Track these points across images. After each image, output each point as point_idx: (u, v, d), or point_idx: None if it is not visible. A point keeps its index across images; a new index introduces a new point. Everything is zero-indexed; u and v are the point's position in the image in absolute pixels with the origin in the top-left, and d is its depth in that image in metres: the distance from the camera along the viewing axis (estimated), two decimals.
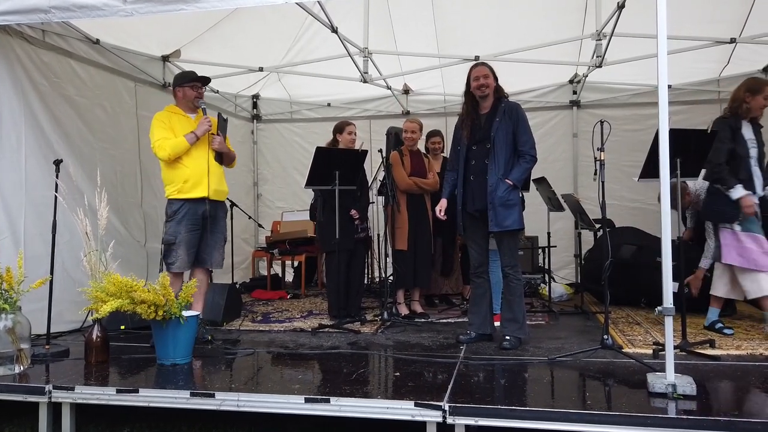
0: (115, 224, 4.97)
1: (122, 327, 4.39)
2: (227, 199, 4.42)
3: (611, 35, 5.06)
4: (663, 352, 2.77)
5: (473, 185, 3.92)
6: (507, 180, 3.81)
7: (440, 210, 4.03)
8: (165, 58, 5.97)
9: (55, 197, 3.79)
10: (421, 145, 5.41)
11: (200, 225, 4.07)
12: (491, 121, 3.88)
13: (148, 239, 5.41)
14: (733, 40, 5.49)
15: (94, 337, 3.52)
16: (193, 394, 2.86)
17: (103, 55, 5.25)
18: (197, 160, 4.04)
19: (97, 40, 5.14)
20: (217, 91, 6.99)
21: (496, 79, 3.93)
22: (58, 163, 3.93)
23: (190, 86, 4.17)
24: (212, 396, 2.82)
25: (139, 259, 5.20)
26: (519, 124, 3.87)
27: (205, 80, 4.28)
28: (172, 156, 3.97)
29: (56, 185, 3.79)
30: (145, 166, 5.48)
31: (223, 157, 4.24)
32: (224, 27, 5.77)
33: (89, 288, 3.41)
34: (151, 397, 2.91)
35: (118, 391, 2.93)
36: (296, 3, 4.25)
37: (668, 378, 2.67)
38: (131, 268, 4.23)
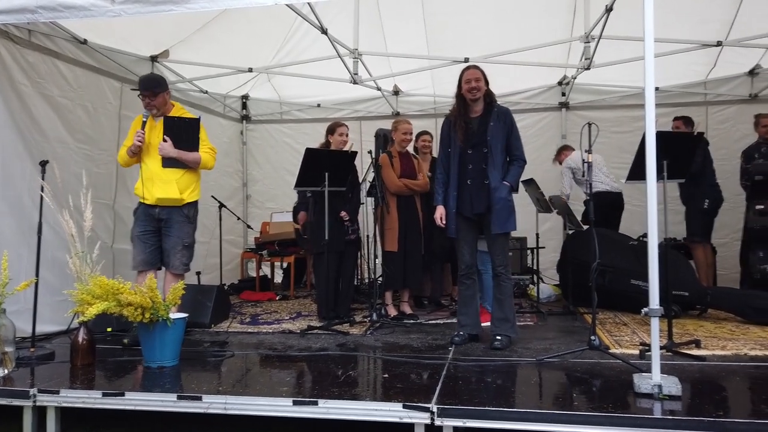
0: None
1: (109, 329, 4.36)
2: (215, 199, 4.38)
3: (599, 38, 5.10)
4: (649, 353, 2.79)
5: (471, 189, 3.92)
6: (505, 182, 3.86)
7: (441, 217, 4.01)
8: (154, 59, 5.94)
9: (41, 198, 3.77)
10: (409, 146, 5.41)
11: (154, 228, 4.10)
12: (486, 125, 3.90)
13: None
14: (719, 43, 5.55)
15: (80, 339, 3.49)
16: (180, 397, 2.84)
17: (90, 56, 5.21)
18: (144, 167, 4.08)
19: (85, 40, 5.10)
20: (206, 92, 6.96)
21: (487, 82, 3.96)
22: (44, 164, 3.90)
23: (141, 97, 4.11)
24: (199, 399, 2.81)
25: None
26: (512, 130, 3.94)
27: (141, 87, 4.11)
28: (123, 164, 4.23)
29: (42, 186, 3.76)
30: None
31: (183, 162, 4.07)
32: (213, 27, 5.74)
33: (75, 290, 3.38)
34: (137, 400, 2.88)
35: (104, 395, 2.90)
36: (286, 4, 4.25)
37: (654, 378, 2.69)
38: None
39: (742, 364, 3.37)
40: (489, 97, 3.97)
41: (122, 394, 2.89)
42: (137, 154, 4.07)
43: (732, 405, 2.76)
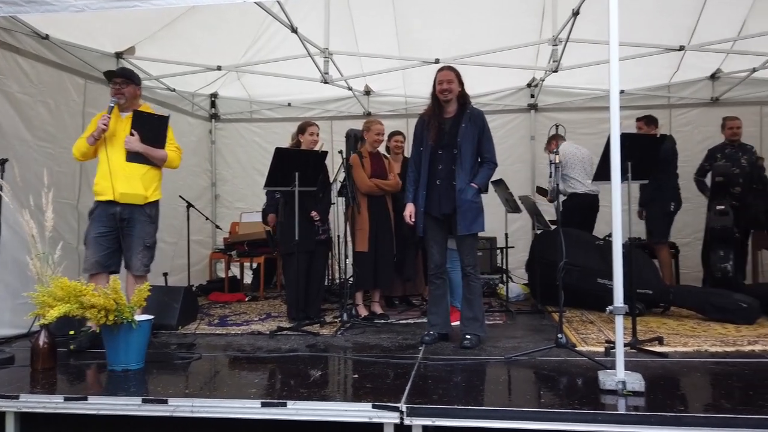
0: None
1: (71, 332, 4.24)
2: (183, 199, 4.30)
3: (566, 41, 5.18)
4: (614, 350, 2.85)
5: (440, 189, 3.94)
6: (473, 184, 3.87)
7: (410, 215, 4.04)
8: (119, 55, 5.80)
9: (0, 197, 3.65)
10: (380, 146, 5.41)
11: (114, 227, 3.95)
12: (457, 127, 3.92)
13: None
14: (682, 48, 5.69)
15: (41, 343, 3.39)
16: (145, 401, 2.78)
17: (53, 51, 5.06)
18: (102, 163, 3.94)
19: (47, 35, 4.95)
20: (174, 90, 6.84)
21: (461, 84, 3.97)
22: (2, 162, 3.79)
23: (111, 85, 4.04)
24: (165, 402, 2.76)
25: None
26: (484, 132, 3.96)
27: (120, 74, 4.07)
28: (78, 156, 4.02)
29: (0, 186, 3.65)
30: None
31: (148, 158, 4.01)
32: (181, 24, 5.64)
33: (36, 292, 3.29)
34: (100, 404, 2.82)
35: (66, 399, 2.83)
36: (255, 2, 4.21)
37: (618, 375, 2.74)
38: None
39: (702, 360, 3.47)
40: (463, 98, 3.99)
41: (85, 398, 2.82)
42: (98, 141, 3.90)
43: (693, 400, 2.84)
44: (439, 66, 4.27)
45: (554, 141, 6.08)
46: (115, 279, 3.37)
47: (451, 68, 4.03)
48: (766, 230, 5.91)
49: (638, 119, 5.87)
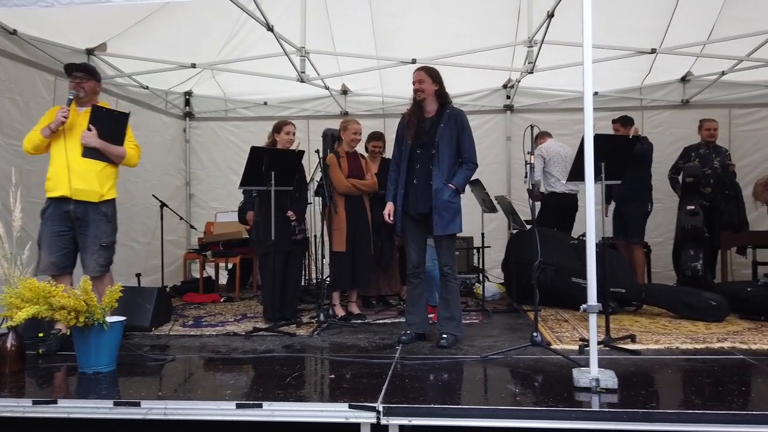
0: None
1: (40, 335, 4.14)
2: (156, 198, 4.22)
3: (542, 43, 5.23)
4: (588, 348, 2.88)
5: (417, 189, 3.95)
6: (451, 185, 3.87)
7: (388, 214, 4.04)
8: (90, 52, 5.69)
9: None
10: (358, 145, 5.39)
11: (69, 227, 3.84)
12: (436, 127, 3.92)
13: None
14: (653, 51, 5.79)
15: (9, 345, 3.30)
16: (116, 404, 2.73)
17: (21, 47, 4.94)
18: (57, 156, 3.82)
19: (15, 30, 4.83)
20: (147, 87, 6.73)
21: (439, 84, 3.96)
22: None
23: (70, 78, 3.94)
24: (137, 405, 2.70)
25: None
26: (463, 132, 3.95)
27: (80, 68, 3.98)
28: (30, 149, 3.89)
29: None
30: None
31: (105, 154, 3.91)
32: (155, 21, 5.56)
33: (3, 294, 3.20)
34: (70, 408, 2.75)
35: (35, 403, 2.76)
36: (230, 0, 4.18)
37: (592, 373, 2.78)
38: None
39: (674, 357, 3.54)
40: (442, 98, 4.00)
41: (54, 402, 2.76)
42: (54, 134, 3.78)
43: (664, 396, 2.90)
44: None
45: (539, 138, 6.15)
46: (85, 279, 3.29)
47: (424, 68, 4.04)
48: (734, 230, 6.06)
49: (614, 121, 5.96)
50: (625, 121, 5.91)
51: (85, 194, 3.81)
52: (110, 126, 3.90)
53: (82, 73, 3.95)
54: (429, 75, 3.97)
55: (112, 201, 4.02)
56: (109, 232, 3.97)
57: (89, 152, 3.83)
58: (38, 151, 3.91)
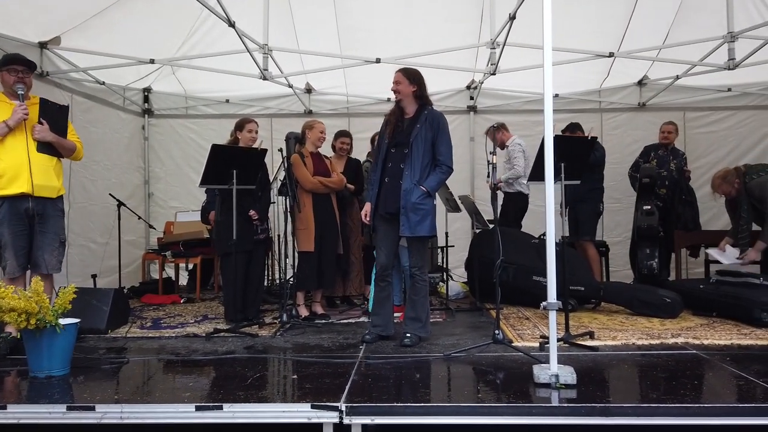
0: None
1: None
2: (113, 197, 4.11)
3: (504, 45, 5.31)
4: (548, 345, 2.93)
5: (387, 187, 3.94)
6: (422, 187, 3.85)
7: (365, 214, 4.03)
8: (43, 45, 5.48)
9: None
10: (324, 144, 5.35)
11: (25, 225, 3.72)
12: (412, 127, 3.93)
13: None
14: (611, 54, 5.94)
15: None
16: (70, 408, 2.64)
17: None
18: (14, 152, 3.67)
19: None
20: (104, 83, 6.53)
21: (417, 85, 3.95)
22: None
23: (6, 70, 3.79)
24: (92, 409, 2.62)
25: None
26: (439, 134, 3.93)
27: (23, 62, 3.84)
28: None
29: None
30: None
31: (56, 148, 3.84)
32: (113, 14, 5.40)
33: None
34: (21, 413, 2.66)
35: None
36: None
37: (552, 369, 2.83)
38: None
39: (630, 352, 3.63)
40: (421, 99, 4.00)
41: (4, 407, 2.66)
42: (11, 131, 3.64)
43: (621, 391, 2.98)
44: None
45: (503, 131, 6.20)
46: (36, 280, 3.18)
47: (402, 69, 4.05)
48: (688, 230, 6.26)
49: (563, 131, 6.05)
50: (573, 128, 6.03)
51: (45, 190, 3.73)
52: (57, 120, 3.83)
53: (23, 67, 3.80)
54: (406, 76, 3.97)
55: (62, 197, 3.97)
56: (64, 228, 3.92)
57: (43, 147, 3.74)
58: None
